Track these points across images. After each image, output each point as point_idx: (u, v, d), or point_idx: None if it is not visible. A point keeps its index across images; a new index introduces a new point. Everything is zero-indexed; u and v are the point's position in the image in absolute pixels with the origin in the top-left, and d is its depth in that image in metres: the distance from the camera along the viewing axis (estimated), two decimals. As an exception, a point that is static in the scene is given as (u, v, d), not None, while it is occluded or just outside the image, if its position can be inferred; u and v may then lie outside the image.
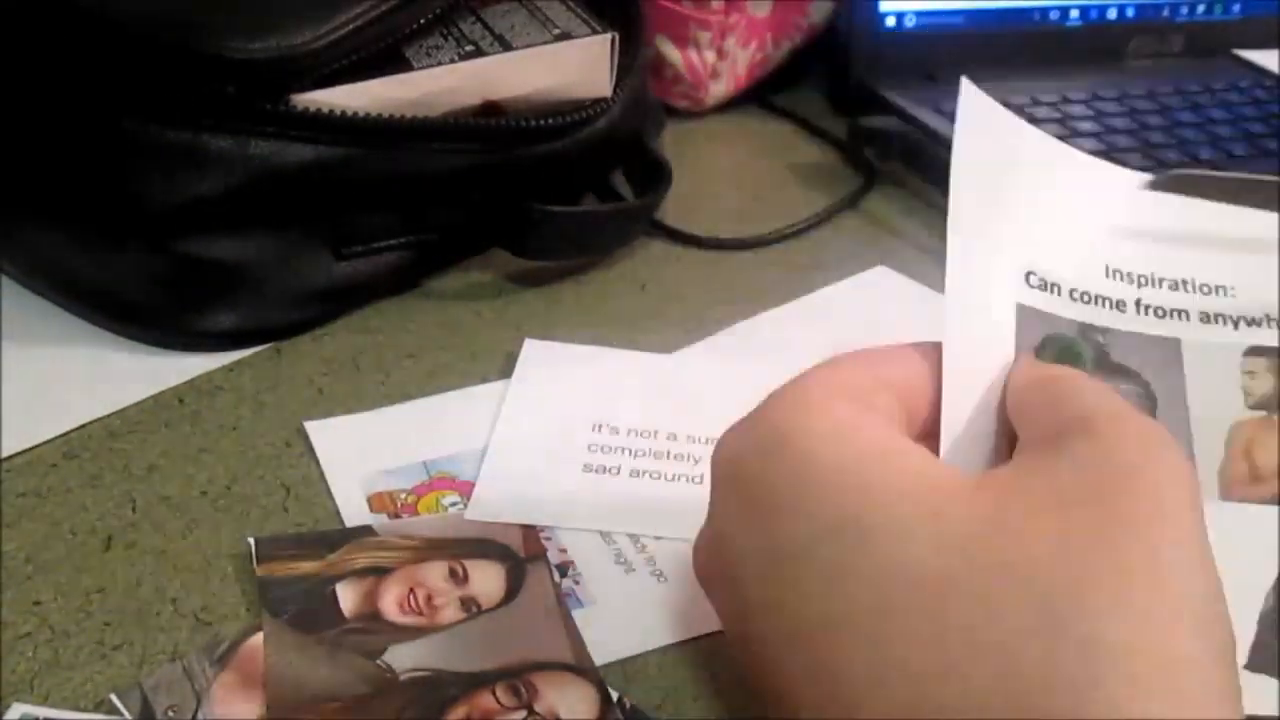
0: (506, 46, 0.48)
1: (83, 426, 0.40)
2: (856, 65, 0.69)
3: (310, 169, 0.43)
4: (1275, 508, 0.26)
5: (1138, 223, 0.29)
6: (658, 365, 0.46)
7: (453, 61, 0.46)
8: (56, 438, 0.40)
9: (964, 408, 0.27)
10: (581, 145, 0.50)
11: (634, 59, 0.54)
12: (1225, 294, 0.28)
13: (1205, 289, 0.28)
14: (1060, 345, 0.27)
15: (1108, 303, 0.28)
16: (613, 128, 0.52)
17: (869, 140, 0.62)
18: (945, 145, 0.60)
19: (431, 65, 0.46)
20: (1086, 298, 0.28)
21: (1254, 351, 0.27)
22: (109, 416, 0.41)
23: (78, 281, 0.45)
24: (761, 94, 0.71)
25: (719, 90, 0.68)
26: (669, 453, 0.41)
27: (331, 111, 0.43)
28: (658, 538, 0.37)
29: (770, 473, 0.26)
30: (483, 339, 0.47)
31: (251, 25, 0.42)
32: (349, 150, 0.44)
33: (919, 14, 0.69)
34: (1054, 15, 0.73)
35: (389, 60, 0.45)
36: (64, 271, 0.45)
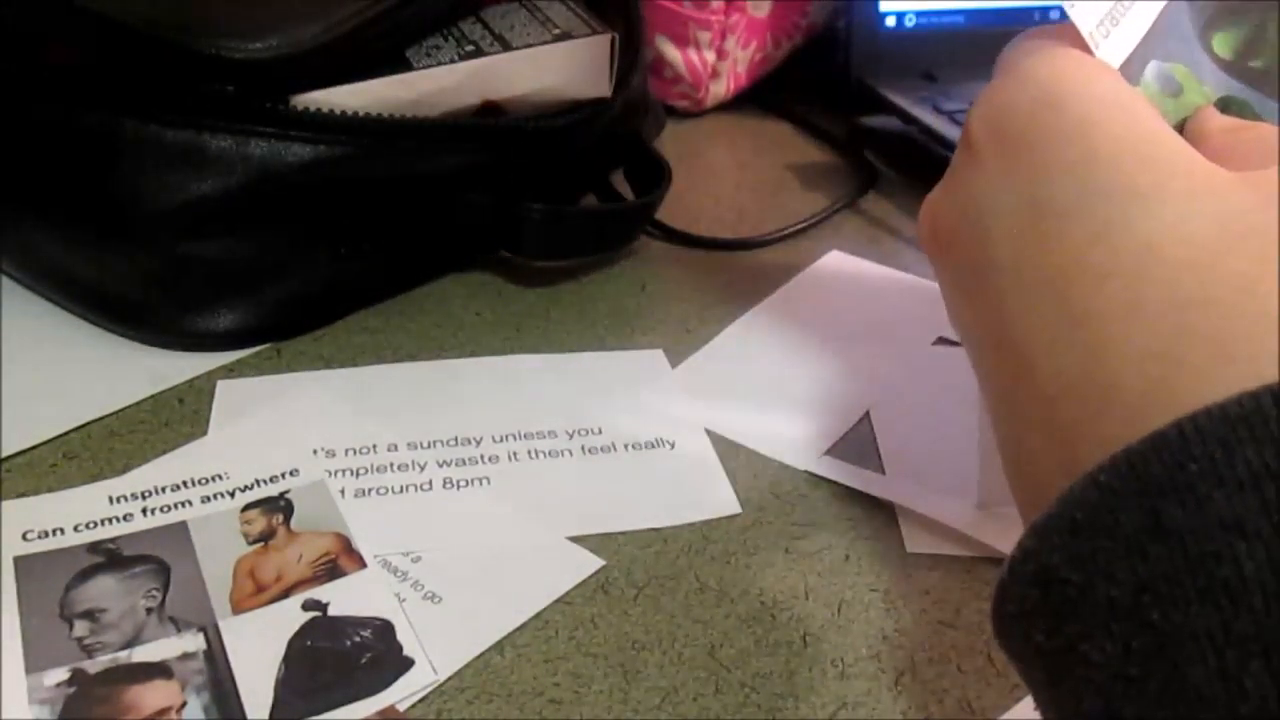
0: (506, 46, 0.48)
1: (83, 426, 0.40)
2: (856, 65, 0.68)
3: (310, 169, 0.43)
4: (278, 604, 0.33)
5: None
6: (350, 380, 0.44)
7: (453, 61, 0.46)
8: (56, 438, 0.40)
9: None
10: (581, 145, 0.50)
11: (634, 59, 0.54)
12: (220, 480, 0.38)
13: (203, 481, 0.38)
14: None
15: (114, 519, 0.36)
16: (612, 128, 0.52)
17: (869, 140, 0.62)
18: (945, 145, 0.61)
19: (431, 65, 0.46)
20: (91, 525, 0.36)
21: (248, 507, 0.37)
22: (109, 416, 0.41)
23: (77, 281, 0.45)
24: (761, 94, 0.71)
25: (719, 90, 0.68)
26: (392, 465, 0.39)
27: (331, 111, 0.43)
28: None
29: (1041, 130, 0.27)
30: (483, 339, 0.47)
31: (251, 25, 0.41)
32: (349, 150, 0.44)
33: (919, 14, 0.69)
34: (1054, 15, 0.73)
35: (389, 60, 0.45)
36: (63, 271, 0.45)
